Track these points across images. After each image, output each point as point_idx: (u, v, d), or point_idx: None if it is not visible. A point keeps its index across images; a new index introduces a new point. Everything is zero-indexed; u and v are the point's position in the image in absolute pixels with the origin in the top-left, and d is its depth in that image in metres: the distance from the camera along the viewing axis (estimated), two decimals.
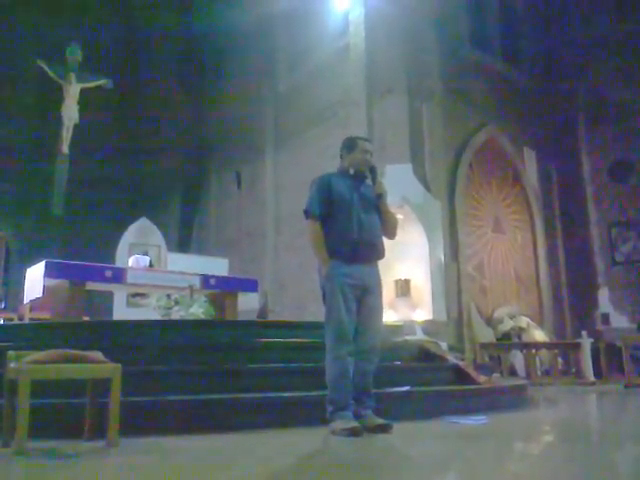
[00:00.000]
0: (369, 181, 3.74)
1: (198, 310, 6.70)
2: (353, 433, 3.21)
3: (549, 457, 2.84)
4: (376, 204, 3.69)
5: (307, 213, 3.64)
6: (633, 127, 12.55)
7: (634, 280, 12.28)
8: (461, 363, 5.34)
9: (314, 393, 3.79)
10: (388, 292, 8.88)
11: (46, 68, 11.73)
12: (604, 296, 12.28)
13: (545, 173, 13.39)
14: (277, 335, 5.01)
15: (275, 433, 3.46)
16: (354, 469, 2.53)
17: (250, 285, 8.06)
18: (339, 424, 3.29)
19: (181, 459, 2.75)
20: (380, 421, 3.40)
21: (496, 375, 8.53)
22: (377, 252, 3.67)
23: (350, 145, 3.79)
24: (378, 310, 3.65)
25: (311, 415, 3.62)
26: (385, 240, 3.75)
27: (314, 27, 12.87)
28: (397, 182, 8.86)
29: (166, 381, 3.95)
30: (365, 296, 3.56)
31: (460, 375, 5.16)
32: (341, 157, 3.83)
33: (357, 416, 3.40)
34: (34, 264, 6.71)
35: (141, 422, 3.36)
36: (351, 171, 3.74)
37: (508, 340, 10.94)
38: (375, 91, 10.74)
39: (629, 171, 12.71)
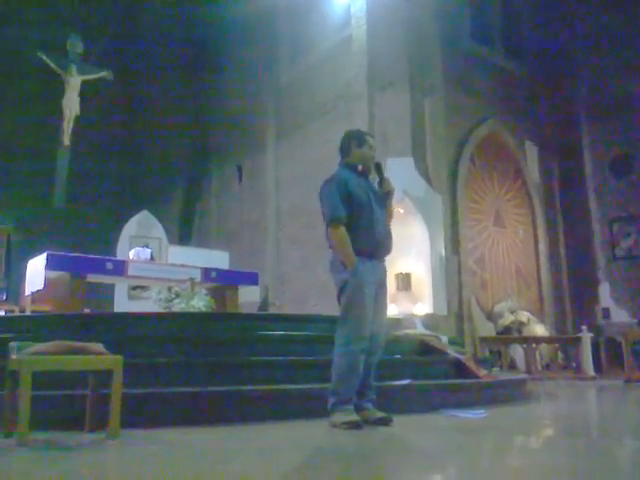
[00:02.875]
0: (372, 176, 3.73)
1: (199, 303, 6.70)
2: (354, 426, 3.21)
3: (548, 451, 2.85)
4: (382, 200, 3.69)
5: (334, 221, 3.46)
6: (635, 122, 12.51)
7: (635, 275, 12.28)
8: (461, 357, 5.33)
9: (315, 386, 3.80)
10: (389, 286, 8.89)
11: (47, 60, 11.72)
12: (605, 291, 12.29)
13: (546, 167, 13.37)
14: (278, 328, 5.02)
15: (276, 426, 3.46)
16: (355, 461, 2.54)
17: (251, 278, 8.10)
18: (340, 417, 3.29)
19: (182, 451, 2.76)
20: (380, 414, 3.41)
21: (496, 369, 8.55)
22: (389, 248, 3.69)
23: (360, 140, 3.71)
24: (386, 305, 3.70)
25: (312, 408, 3.63)
26: None
27: (316, 20, 12.83)
28: (398, 176, 8.83)
29: (167, 373, 3.95)
30: (378, 291, 3.56)
31: (460, 369, 5.16)
32: (346, 150, 3.72)
33: (358, 409, 3.41)
34: (35, 256, 6.73)
35: (142, 414, 3.37)
36: (359, 167, 3.71)
37: (509, 334, 10.95)
38: (377, 84, 10.70)
39: (630, 166, 12.69)
